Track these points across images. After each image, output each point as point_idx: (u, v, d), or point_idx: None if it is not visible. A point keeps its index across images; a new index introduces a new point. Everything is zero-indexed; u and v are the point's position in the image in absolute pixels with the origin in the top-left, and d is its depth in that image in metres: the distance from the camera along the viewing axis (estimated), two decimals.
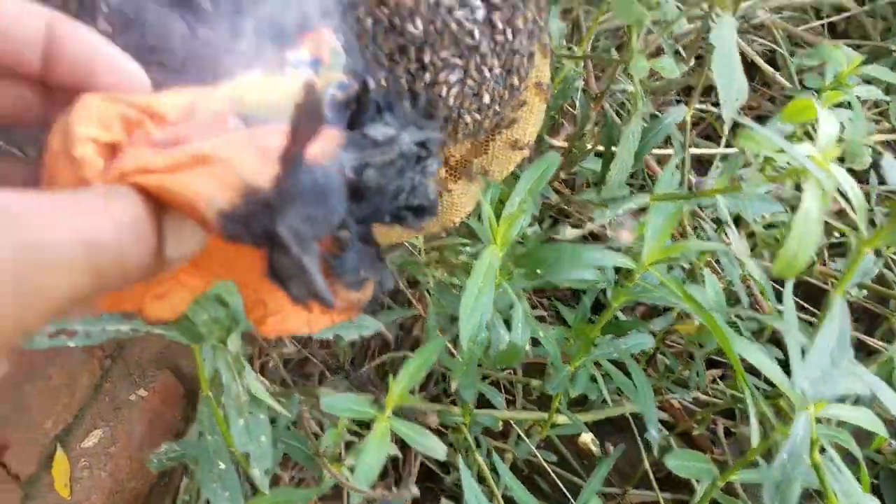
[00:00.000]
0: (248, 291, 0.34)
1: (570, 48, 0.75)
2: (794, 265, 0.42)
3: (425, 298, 0.97)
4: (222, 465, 0.60)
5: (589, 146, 0.82)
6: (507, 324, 0.63)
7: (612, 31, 0.90)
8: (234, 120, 0.30)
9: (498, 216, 0.59)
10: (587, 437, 0.82)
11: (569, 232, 0.57)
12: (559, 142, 0.82)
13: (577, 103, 0.80)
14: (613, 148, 0.65)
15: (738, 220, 0.77)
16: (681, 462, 0.61)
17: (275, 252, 0.26)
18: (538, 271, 0.60)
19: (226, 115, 0.30)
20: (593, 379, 0.82)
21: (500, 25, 0.51)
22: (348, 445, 0.75)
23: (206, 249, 0.30)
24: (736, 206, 0.57)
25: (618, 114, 0.84)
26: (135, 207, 0.25)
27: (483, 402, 0.89)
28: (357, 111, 0.31)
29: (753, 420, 0.60)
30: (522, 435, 0.87)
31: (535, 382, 0.93)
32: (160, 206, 0.27)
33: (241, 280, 0.34)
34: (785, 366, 0.54)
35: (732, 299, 0.83)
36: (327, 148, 0.28)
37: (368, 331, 0.62)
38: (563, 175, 0.86)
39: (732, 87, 0.51)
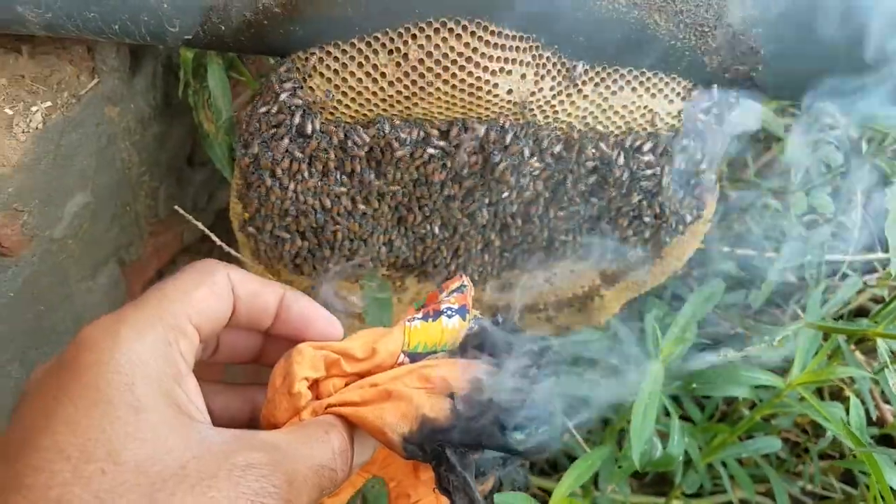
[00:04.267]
0: (394, 485, 0.44)
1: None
2: None
3: None
4: None
5: (725, 249, 0.87)
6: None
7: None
8: (403, 356, 0.40)
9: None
10: None
11: (730, 354, 0.63)
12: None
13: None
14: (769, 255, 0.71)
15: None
16: None
17: (442, 468, 0.36)
18: (694, 385, 0.66)
19: (398, 353, 0.40)
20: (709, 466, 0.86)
21: (691, 179, 0.57)
22: None
23: (371, 457, 0.41)
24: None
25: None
26: (343, 436, 0.37)
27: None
28: (485, 339, 0.41)
29: None
30: None
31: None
32: (351, 426, 0.37)
33: (391, 476, 0.44)
34: None
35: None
36: (472, 379, 0.38)
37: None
38: (695, 273, 0.91)
39: None
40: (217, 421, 0.35)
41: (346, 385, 0.39)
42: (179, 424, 0.31)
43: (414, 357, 0.40)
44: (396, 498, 0.44)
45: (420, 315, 0.41)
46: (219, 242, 0.56)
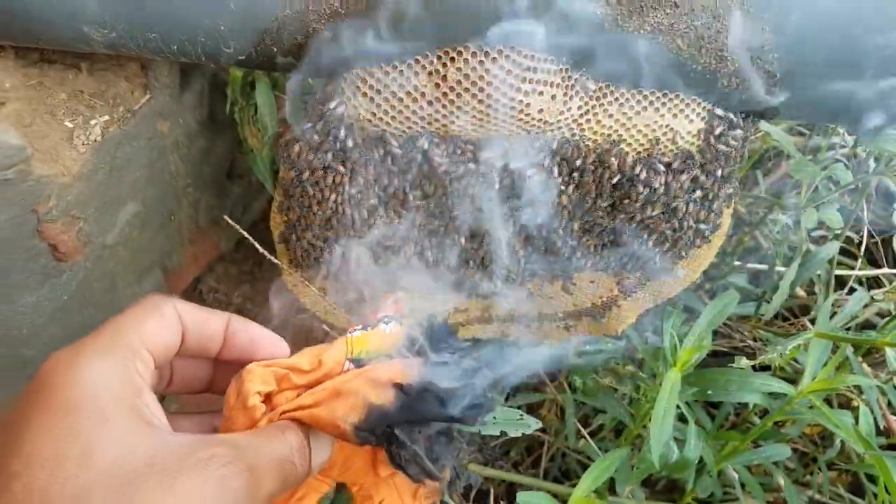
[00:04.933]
0: (357, 489, 0.48)
1: None
2: None
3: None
4: None
5: (737, 263, 0.90)
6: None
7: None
8: (349, 364, 0.43)
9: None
10: None
11: (744, 361, 0.66)
12: None
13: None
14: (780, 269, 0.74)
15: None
16: None
17: (393, 447, 0.40)
18: (708, 391, 0.69)
19: (343, 361, 0.43)
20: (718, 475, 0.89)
21: (709, 195, 0.61)
22: None
23: (331, 461, 0.44)
24: None
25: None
26: (299, 434, 0.40)
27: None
28: (428, 338, 0.45)
29: None
30: None
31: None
32: (307, 428, 0.41)
33: (353, 480, 0.48)
34: None
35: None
36: (416, 373, 0.42)
37: (530, 429, 0.70)
38: (707, 286, 0.94)
39: None
40: None
41: (297, 396, 0.42)
42: (144, 431, 0.34)
43: (358, 363, 0.43)
44: (361, 501, 0.47)
45: (360, 326, 0.45)
46: (261, 250, 0.60)
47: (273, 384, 0.41)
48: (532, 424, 0.56)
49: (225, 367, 0.44)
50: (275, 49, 0.53)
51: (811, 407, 0.72)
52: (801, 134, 0.98)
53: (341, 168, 0.57)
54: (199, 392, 0.46)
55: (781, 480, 0.77)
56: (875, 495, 0.91)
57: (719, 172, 0.59)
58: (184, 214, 0.70)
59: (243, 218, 0.81)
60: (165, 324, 0.39)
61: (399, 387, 0.40)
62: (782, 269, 0.85)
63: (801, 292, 0.98)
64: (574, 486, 0.93)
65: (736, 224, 0.93)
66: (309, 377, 0.42)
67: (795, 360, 0.83)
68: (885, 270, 1.03)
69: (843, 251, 1.09)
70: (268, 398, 0.41)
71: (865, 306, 0.95)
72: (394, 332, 0.45)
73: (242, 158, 0.77)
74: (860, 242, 1.00)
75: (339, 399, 0.40)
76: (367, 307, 0.51)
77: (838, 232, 0.84)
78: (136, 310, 0.39)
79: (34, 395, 0.34)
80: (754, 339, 0.91)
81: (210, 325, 0.42)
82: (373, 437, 0.39)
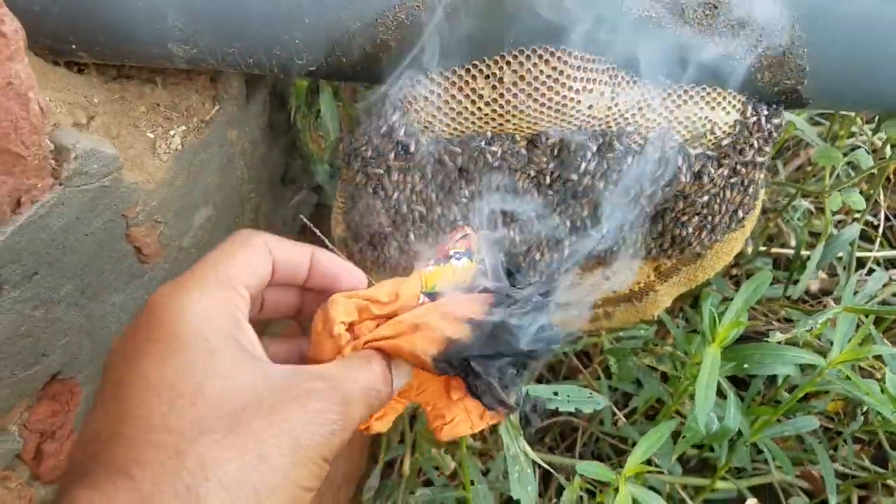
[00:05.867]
0: (430, 409, 0.52)
1: None
2: None
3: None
4: None
5: (761, 248, 0.95)
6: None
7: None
8: (423, 297, 0.47)
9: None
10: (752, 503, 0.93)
11: (777, 336, 0.70)
12: None
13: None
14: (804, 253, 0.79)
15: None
16: None
17: (470, 377, 0.44)
18: (745, 365, 0.73)
19: (418, 294, 0.47)
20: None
21: (745, 180, 0.65)
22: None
23: (407, 384, 0.48)
24: None
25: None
26: (382, 363, 0.44)
27: None
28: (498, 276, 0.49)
29: None
30: (688, 499, 0.98)
31: (692, 450, 1.05)
32: (388, 356, 0.44)
33: (427, 401, 0.51)
34: None
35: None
36: (485, 308, 0.45)
37: (600, 406, 0.75)
38: (734, 271, 0.99)
39: None
40: None
41: (377, 326, 0.45)
42: (248, 364, 0.37)
43: (432, 297, 0.47)
44: (434, 420, 0.51)
45: (432, 262, 0.48)
46: (330, 247, 0.64)
47: (355, 314, 0.45)
48: (601, 402, 0.60)
49: (309, 296, 0.48)
50: (344, 59, 0.57)
51: (841, 377, 0.76)
52: (819, 123, 1.03)
53: (403, 169, 0.61)
54: (288, 318, 0.50)
55: (815, 446, 0.81)
56: None
57: (754, 159, 0.64)
58: (246, 218, 0.74)
59: (295, 221, 0.85)
60: (257, 255, 0.42)
61: (474, 322, 0.43)
62: (806, 252, 0.90)
63: (822, 274, 1.03)
64: (612, 466, 0.97)
65: (760, 211, 0.98)
66: (387, 308, 0.45)
67: (819, 339, 0.88)
68: None
69: (861, 234, 1.13)
70: (350, 327, 0.45)
71: (884, 286, 1.00)
72: (465, 268, 0.48)
73: (293, 164, 0.81)
74: (877, 226, 1.05)
75: (418, 333, 0.43)
76: (438, 242, 0.54)
77: (858, 215, 0.89)
78: (230, 246, 0.42)
79: (144, 327, 0.37)
80: (778, 321, 0.95)
81: (297, 255, 0.45)
82: (450, 369, 0.43)
